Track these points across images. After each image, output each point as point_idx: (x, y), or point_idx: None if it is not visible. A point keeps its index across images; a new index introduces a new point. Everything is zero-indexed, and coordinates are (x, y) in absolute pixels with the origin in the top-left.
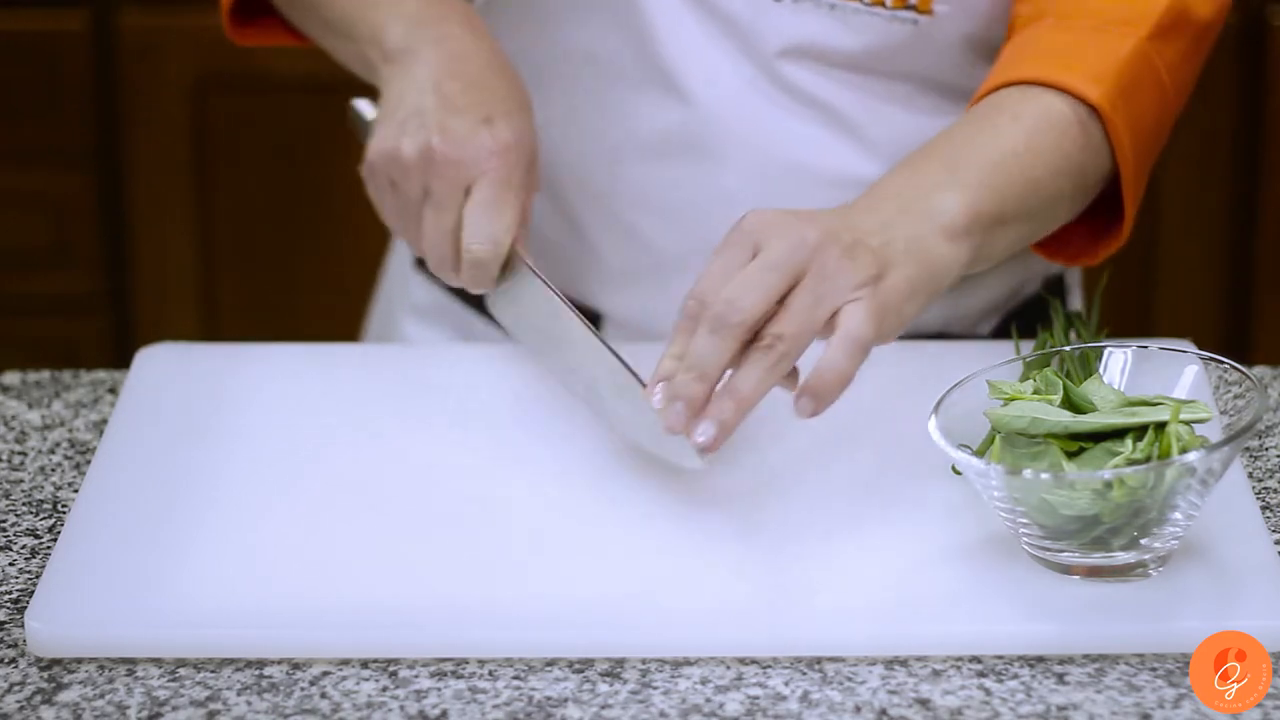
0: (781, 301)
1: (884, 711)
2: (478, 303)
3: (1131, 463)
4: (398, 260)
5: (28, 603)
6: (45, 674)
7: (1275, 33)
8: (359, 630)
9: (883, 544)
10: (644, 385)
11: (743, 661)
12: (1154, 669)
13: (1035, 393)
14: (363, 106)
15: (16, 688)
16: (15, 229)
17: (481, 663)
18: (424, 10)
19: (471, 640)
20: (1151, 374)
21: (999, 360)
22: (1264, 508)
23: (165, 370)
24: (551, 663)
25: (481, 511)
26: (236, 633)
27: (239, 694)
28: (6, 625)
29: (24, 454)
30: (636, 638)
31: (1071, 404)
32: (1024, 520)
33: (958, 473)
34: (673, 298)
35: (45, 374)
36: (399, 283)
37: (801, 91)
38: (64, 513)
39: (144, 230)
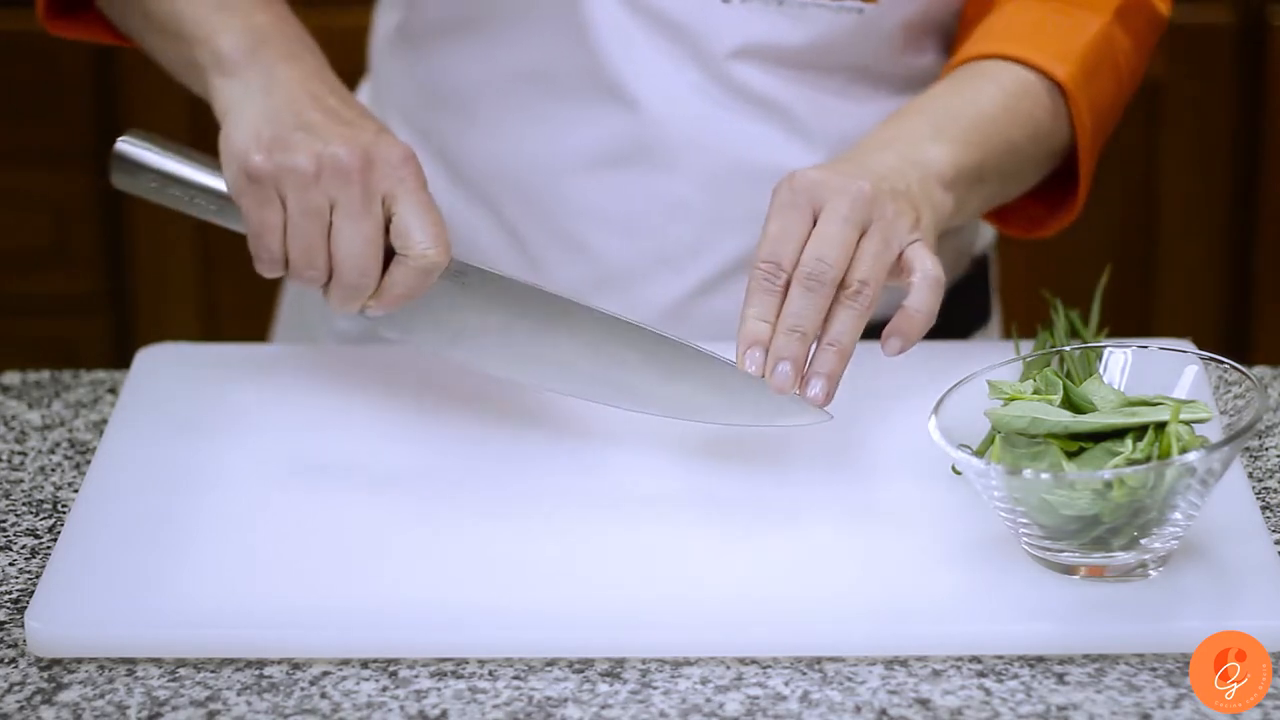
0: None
1: (884, 711)
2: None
3: (1131, 463)
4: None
5: (28, 603)
6: (45, 674)
7: (1275, 33)
8: (359, 630)
9: (883, 544)
10: (707, 357)
11: (743, 661)
12: (1154, 669)
13: (1035, 393)
14: (136, 150)
15: (16, 688)
16: (15, 229)
17: (481, 663)
18: (272, 25)
19: (471, 640)
20: (1151, 374)
21: (999, 360)
22: (1264, 508)
23: (165, 370)
24: (551, 663)
25: (482, 511)
26: (236, 633)
27: (239, 694)
28: (6, 625)
29: (24, 454)
30: (636, 638)
31: (1071, 404)
32: (1024, 520)
33: (958, 473)
34: (621, 310)
35: (45, 374)
36: (317, 313)
37: (749, 91)
38: (64, 513)
39: (144, 230)
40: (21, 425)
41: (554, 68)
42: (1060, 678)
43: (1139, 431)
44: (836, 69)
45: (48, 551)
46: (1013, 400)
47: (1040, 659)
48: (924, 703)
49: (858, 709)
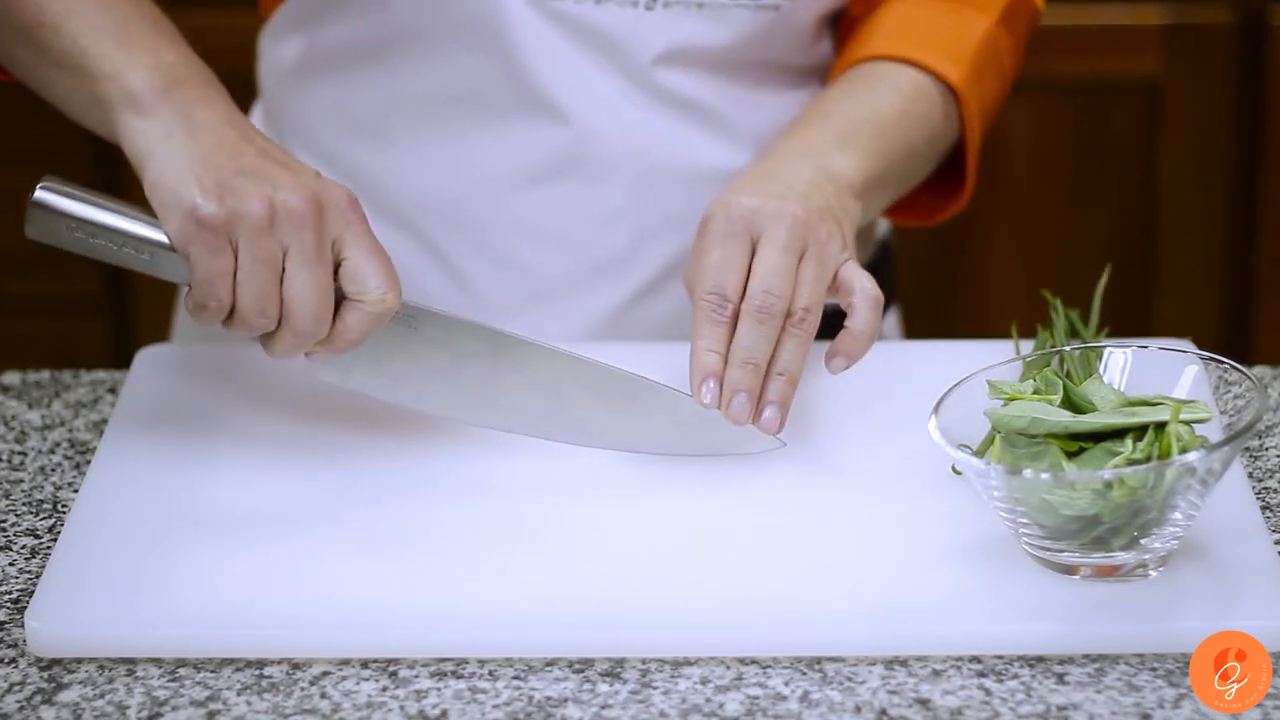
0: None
1: (884, 711)
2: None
3: (1131, 463)
4: None
5: (28, 603)
6: (45, 674)
7: (1275, 33)
8: (359, 630)
9: (882, 544)
10: (662, 388)
11: (743, 661)
12: (1154, 669)
13: (1035, 393)
14: (59, 199)
15: (16, 688)
16: (15, 229)
17: (481, 663)
18: (182, 64)
19: (471, 640)
20: (1151, 374)
21: (999, 360)
22: (1264, 508)
23: (165, 370)
24: (551, 663)
25: (482, 511)
26: (236, 633)
27: (239, 694)
28: (6, 625)
29: (24, 454)
30: (636, 638)
31: (1071, 404)
32: (1024, 520)
33: (958, 473)
34: (557, 324)
35: (45, 374)
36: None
37: (673, 95)
38: (64, 513)
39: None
40: (21, 425)
41: (478, 87)
42: (1060, 678)
43: (1139, 431)
44: (752, 65)
45: (48, 551)
46: (1013, 400)
47: (1040, 659)
48: (924, 703)
49: (858, 709)
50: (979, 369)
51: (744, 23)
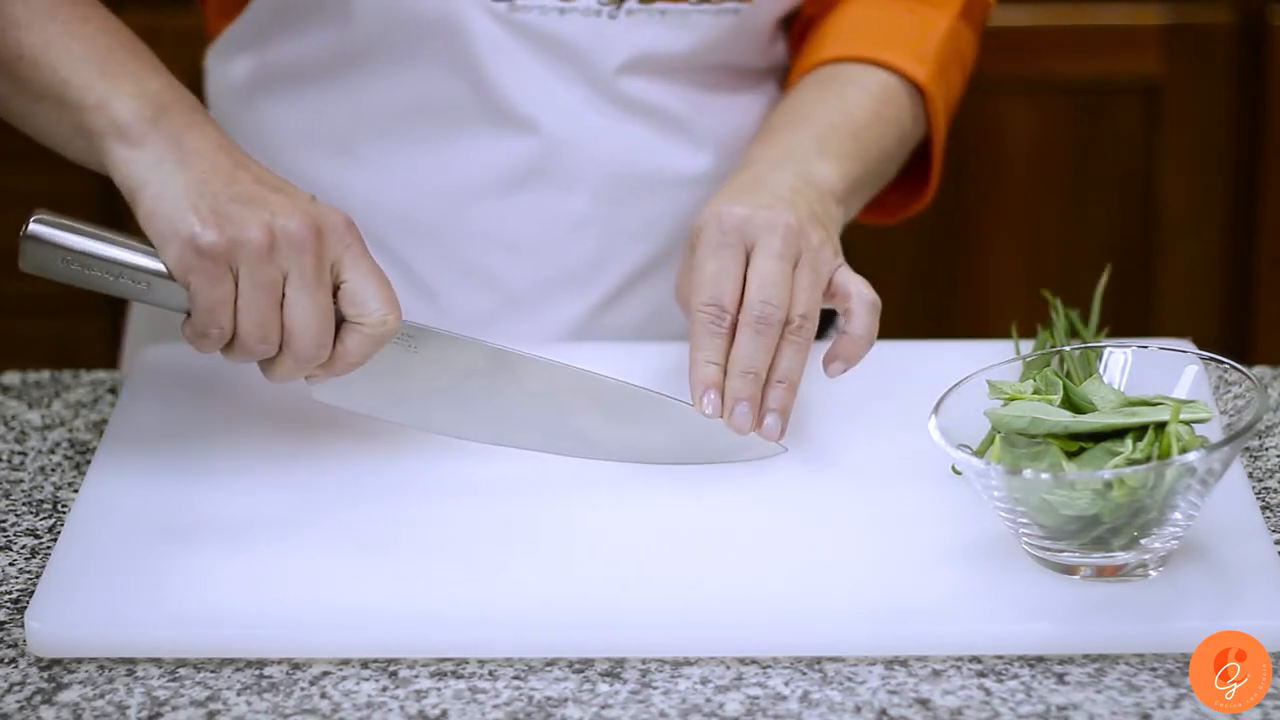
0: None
1: (884, 711)
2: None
3: (1131, 463)
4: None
5: (28, 603)
6: (45, 674)
7: (1275, 33)
8: (359, 630)
9: (882, 544)
10: (663, 398)
11: (743, 661)
12: (1154, 669)
13: (1035, 393)
14: (53, 232)
15: (16, 688)
16: (16, 229)
17: (481, 663)
18: (167, 92)
19: (471, 640)
20: (1151, 374)
21: (999, 360)
22: (1264, 508)
23: (165, 370)
24: (551, 663)
25: (482, 512)
26: (236, 633)
27: (239, 694)
28: (6, 625)
29: (24, 454)
30: (636, 637)
31: (1071, 404)
32: (1024, 520)
33: (958, 473)
34: (526, 333)
35: (45, 374)
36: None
37: (637, 102)
38: (64, 513)
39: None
40: (21, 425)
41: (442, 98)
42: (1060, 678)
43: (1139, 431)
44: (712, 69)
45: (48, 551)
46: (1013, 400)
47: (1040, 659)
48: (924, 703)
49: (858, 709)
50: (979, 369)
51: (705, 27)
